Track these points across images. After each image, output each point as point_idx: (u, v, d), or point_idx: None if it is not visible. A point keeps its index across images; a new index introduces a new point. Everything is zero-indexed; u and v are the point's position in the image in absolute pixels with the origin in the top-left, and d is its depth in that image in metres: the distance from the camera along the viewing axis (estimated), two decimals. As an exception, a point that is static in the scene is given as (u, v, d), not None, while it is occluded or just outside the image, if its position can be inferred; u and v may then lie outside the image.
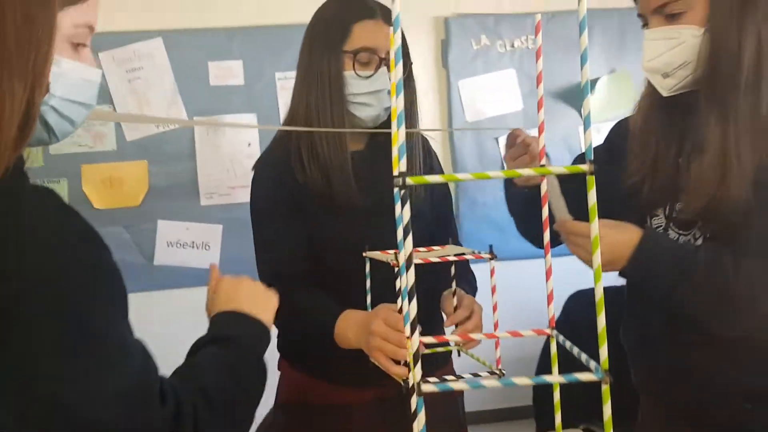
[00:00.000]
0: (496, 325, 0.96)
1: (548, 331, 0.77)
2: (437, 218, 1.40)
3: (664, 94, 1.10)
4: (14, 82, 0.63)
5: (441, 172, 1.49)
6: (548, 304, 0.75)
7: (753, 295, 0.99)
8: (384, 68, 1.28)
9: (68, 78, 0.73)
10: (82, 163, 3.10)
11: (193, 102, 3.11)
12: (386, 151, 1.31)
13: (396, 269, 0.94)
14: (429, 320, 1.22)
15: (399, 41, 0.53)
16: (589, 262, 1.01)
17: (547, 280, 0.75)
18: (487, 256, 0.99)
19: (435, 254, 1.02)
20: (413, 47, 1.32)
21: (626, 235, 1.04)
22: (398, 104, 0.58)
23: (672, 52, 1.06)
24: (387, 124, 1.34)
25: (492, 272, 0.99)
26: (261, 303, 0.92)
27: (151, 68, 3.12)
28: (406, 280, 0.56)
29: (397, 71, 0.54)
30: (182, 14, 3.11)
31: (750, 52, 1.01)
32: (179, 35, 3.10)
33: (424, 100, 3.36)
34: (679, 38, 1.06)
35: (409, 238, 0.55)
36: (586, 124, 0.60)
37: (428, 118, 3.35)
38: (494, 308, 0.96)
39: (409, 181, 0.58)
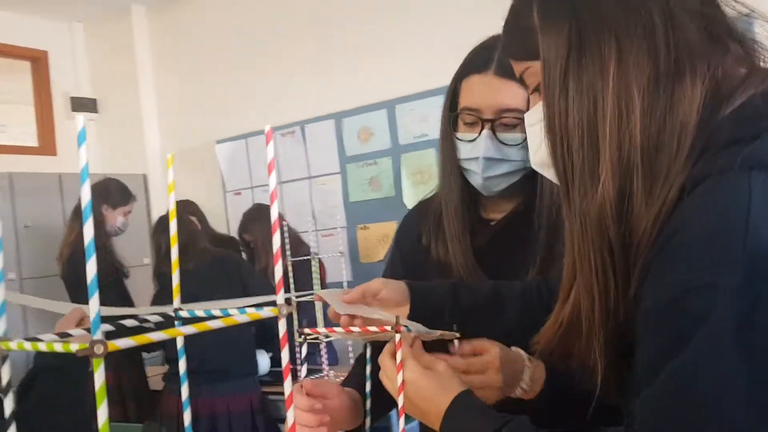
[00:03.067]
0: (402, 411, 0.80)
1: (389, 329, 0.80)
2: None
3: None
4: None
5: None
6: None
7: None
8: (488, 132, 1.06)
9: None
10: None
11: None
12: (524, 225, 1.09)
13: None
14: None
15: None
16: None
17: None
18: (390, 329, 0.81)
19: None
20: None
21: (439, 394, 0.80)
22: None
23: None
24: (511, 189, 1.12)
25: (398, 345, 0.81)
26: None
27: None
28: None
29: None
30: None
31: (583, 118, 0.66)
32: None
33: None
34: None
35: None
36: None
37: None
38: (400, 389, 0.80)
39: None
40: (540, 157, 0.75)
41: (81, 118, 0.43)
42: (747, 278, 0.55)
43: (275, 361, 3.01)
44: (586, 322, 0.68)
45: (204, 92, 4.53)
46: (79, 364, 1.00)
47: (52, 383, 0.94)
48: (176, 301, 0.63)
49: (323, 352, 2.91)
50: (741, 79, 0.64)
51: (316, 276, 2.72)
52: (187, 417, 0.64)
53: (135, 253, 3.86)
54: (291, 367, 2.68)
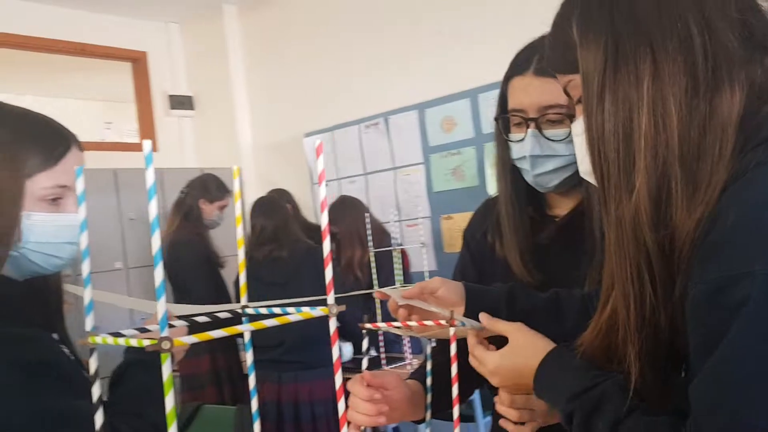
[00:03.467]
0: (456, 401, 0.82)
1: (444, 323, 0.84)
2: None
3: None
4: None
5: None
6: None
7: None
8: (532, 131, 1.08)
9: (41, 227, 0.96)
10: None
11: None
12: (587, 221, 1.09)
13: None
14: None
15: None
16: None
17: None
18: (445, 323, 0.84)
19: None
20: None
21: (528, 360, 0.84)
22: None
23: None
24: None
25: (452, 339, 0.82)
26: None
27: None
28: None
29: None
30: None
31: (619, 129, 0.68)
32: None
33: None
34: None
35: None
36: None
37: None
38: (454, 380, 0.81)
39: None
40: (585, 166, 0.77)
41: (148, 143, 0.48)
42: None
43: (358, 348, 3.10)
44: (622, 328, 0.70)
45: (292, 87, 4.68)
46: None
47: (140, 375, 1.03)
48: (243, 299, 0.69)
49: (406, 341, 2.97)
50: None
51: (398, 266, 2.77)
52: (254, 404, 0.70)
53: (231, 244, 4.05)
54: (375, 355, 2.78)
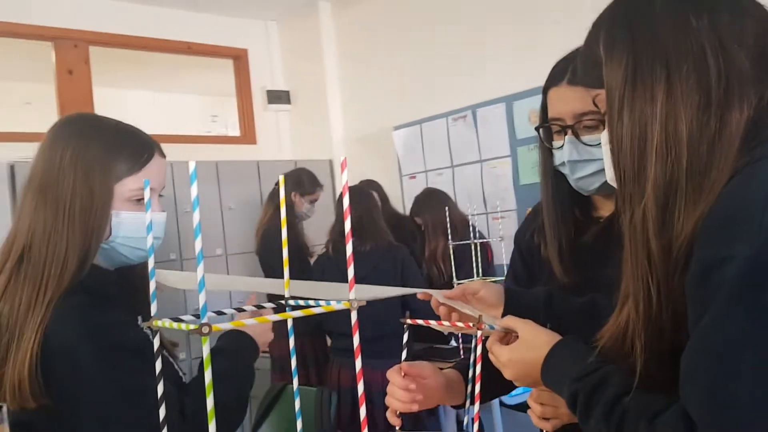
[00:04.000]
0: (477, 397, 0.88)
1: (471, 326, 0.91)
2: None
3: None
4: (77, 234, 1.05)
5: None
6: None
7: None
8: (569, 137, 1.13)
9: (128, 224, 1.11)
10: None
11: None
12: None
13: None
14: None
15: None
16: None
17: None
18: (473, 326, 0.91)
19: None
20: None
21: (536, 352, 0.90)
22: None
23: None
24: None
25: (479, 341, 0.90)
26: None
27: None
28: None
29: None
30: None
31: (634, 143, 0.74)
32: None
33: None
34: None
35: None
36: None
37: None
38: (477, 379, 0.88)
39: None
40: (610, 174, 0.83)
41: (192, 163, 0.58)
42: (760, 251, 0.61)
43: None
44: (631, 324, 0.75)
45: (382, 82, 4.78)
46: (248, 348, 1.24)
47: (217, 360, 1.16)
48: (287, 291, 0.79)
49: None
50: None
51: (477, 259, 2.82)
52: (295, 383, 0.80)
53: (320, 235, 4.22)
54: (455, 346, 2.86)
